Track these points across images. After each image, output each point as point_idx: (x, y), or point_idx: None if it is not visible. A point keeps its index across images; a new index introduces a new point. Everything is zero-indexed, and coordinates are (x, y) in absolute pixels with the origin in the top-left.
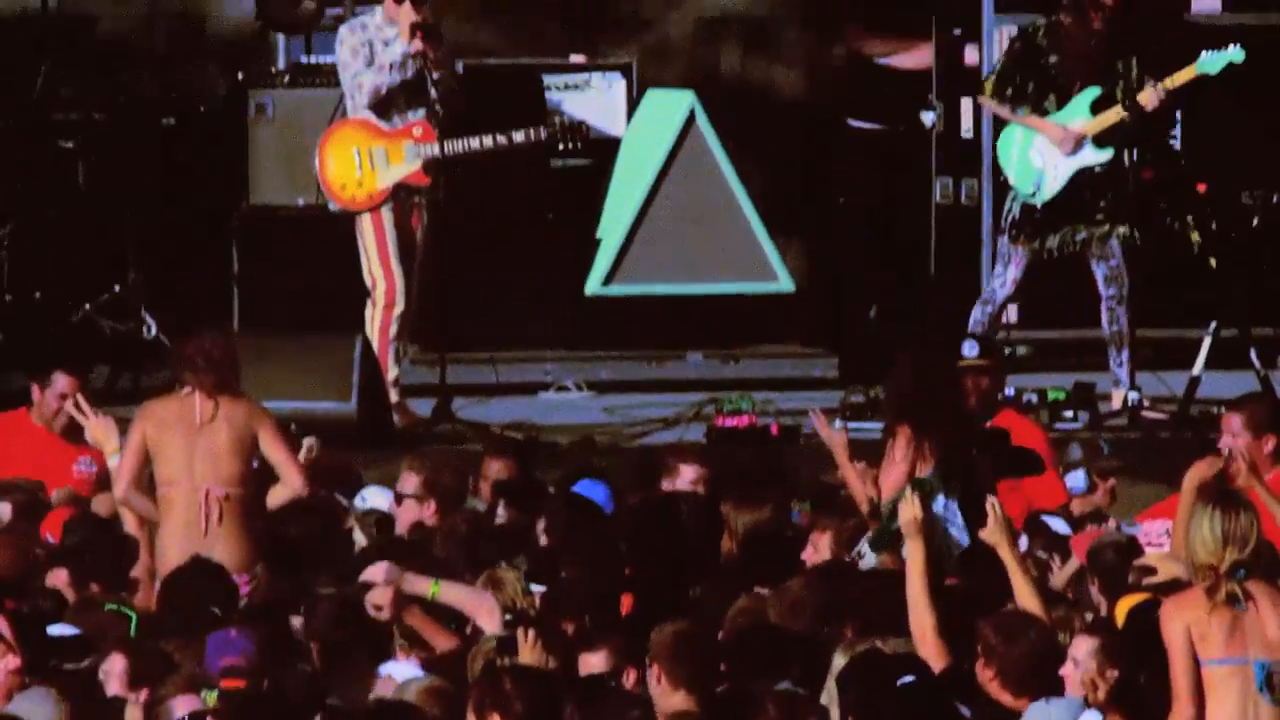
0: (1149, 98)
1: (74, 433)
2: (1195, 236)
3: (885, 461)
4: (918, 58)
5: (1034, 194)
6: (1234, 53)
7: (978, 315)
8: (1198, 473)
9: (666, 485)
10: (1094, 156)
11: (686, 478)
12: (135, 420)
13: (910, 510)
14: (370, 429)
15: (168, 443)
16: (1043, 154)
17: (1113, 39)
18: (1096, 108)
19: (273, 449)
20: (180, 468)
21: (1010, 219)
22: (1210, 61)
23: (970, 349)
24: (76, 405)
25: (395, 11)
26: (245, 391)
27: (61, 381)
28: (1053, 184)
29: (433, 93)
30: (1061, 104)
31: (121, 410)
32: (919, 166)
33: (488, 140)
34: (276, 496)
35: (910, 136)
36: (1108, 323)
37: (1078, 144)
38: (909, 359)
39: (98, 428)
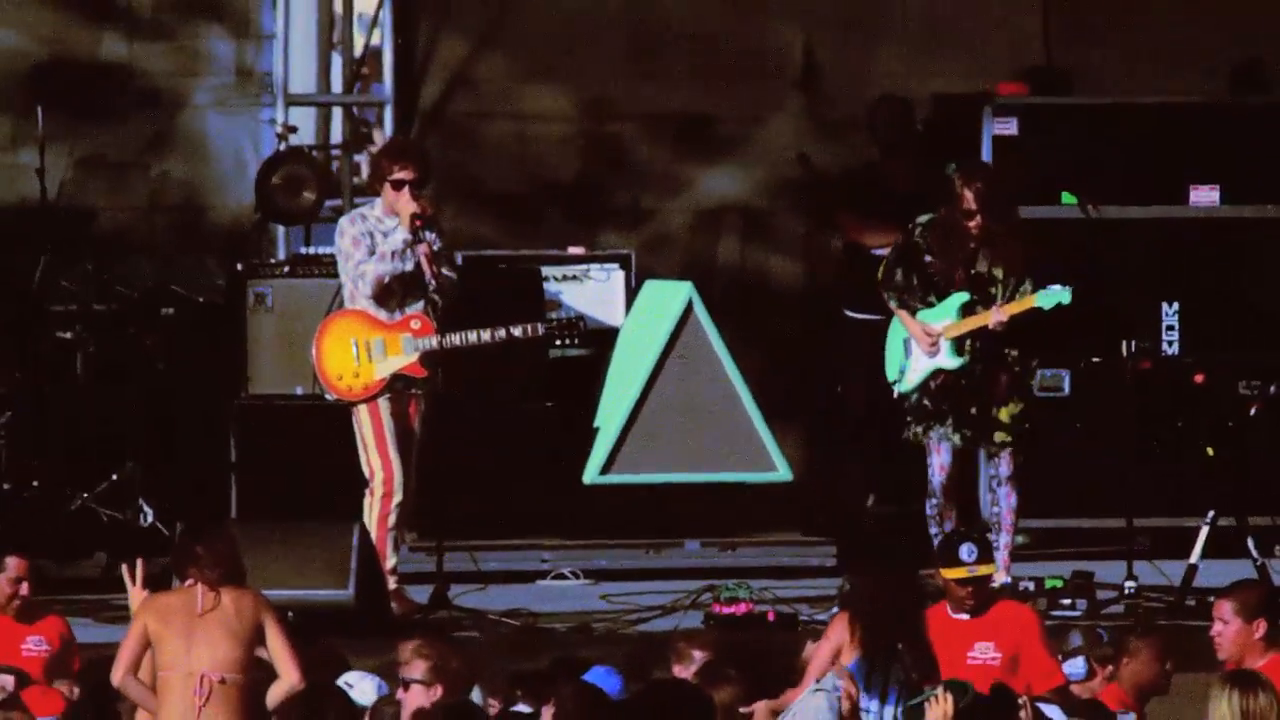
0: (991, 318)
1: (26, 614)
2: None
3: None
4: None
5: (896, 382)
6: (1063, 294)
7: (929, 510)
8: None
9: (679, 670)
10: (948, 361)
11: (699, 663)
12: (138, 611)
13: (941, 707)
14: (368, 616)
15: (168, 631)
16: (909, 347)
17: (986, 244)
18: (963, 312)
19: (274, 641)
20: (179, 653)
21: (906, 410)
22: (1045, 297)
23: (969, 554)
24: (131, 573)
25: (395, 201)
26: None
27: (13, 565)
28: (912, 377)
29: (430, 284)
30: (940, 302)
31: (116, 597)
32: None
33: (485, 334)
34: (274, 694)
35: None
36: (989, 503)
37: (934, 344)
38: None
39: (136, 598)
